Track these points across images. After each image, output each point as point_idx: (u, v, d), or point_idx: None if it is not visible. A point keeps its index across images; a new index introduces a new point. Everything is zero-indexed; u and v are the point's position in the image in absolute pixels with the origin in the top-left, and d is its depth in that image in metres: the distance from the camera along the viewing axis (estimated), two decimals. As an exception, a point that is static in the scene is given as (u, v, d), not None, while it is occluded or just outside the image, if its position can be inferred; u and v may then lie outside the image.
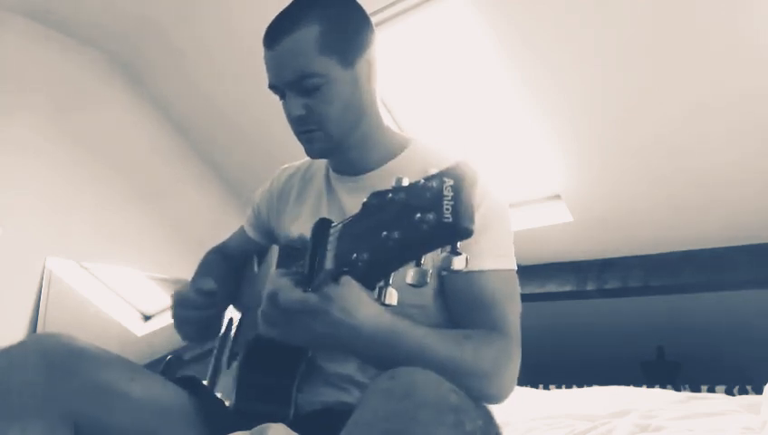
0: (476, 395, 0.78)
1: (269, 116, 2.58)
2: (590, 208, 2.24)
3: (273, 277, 0.72)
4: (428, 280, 0.58)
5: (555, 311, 2.66)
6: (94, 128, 2.66)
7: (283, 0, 0.92)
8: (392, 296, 0.59)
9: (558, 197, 2.31)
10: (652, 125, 1.91)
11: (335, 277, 0.67)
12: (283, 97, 0.93)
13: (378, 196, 0.61)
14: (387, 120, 1.03)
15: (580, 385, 2.30)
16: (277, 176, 1.17)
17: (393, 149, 0.99)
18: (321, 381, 0.92)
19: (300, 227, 1.02)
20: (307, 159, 1.13)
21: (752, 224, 2.02)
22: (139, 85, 2.86)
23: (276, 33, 0.89)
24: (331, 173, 1.05)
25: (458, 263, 0.56)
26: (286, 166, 1.18)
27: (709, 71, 1.72)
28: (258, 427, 0.79)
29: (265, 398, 0.88)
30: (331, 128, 0.91)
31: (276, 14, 0.92)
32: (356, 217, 0.63)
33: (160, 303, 2.71)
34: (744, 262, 2.09)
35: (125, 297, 2.61)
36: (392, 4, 1.99)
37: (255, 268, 1.18)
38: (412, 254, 0.56)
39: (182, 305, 0.99)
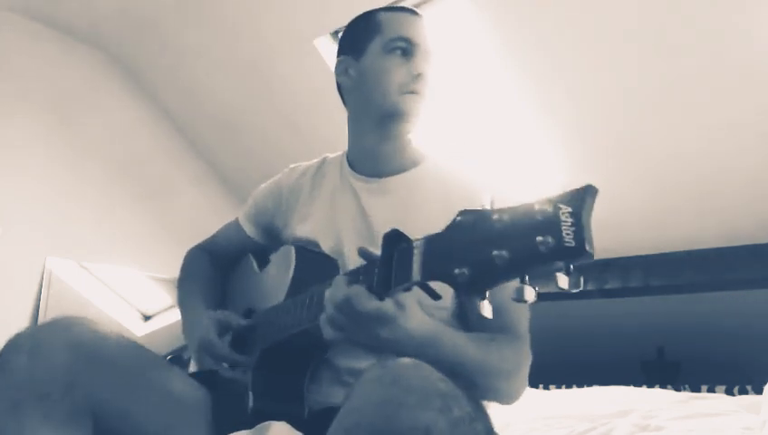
0: (499, 394, 0.88)
1: (269, 116, 2.58)
2: (590, 208, 2.23)
3: (340, 284, 0.74)
4: (531, 298, 0.60)
5: (555, 311, 2.65)
6: (94, 127, 2.66)
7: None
8: (488, 309, 0.63)
9: (558, 197, 2.31)
10: (653, 126, 1.91)
11: (421, 287, 0.69)
12: (405, 54, 1.03)
13: (471, 214, 0.63)
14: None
15: (580, 385, 2.30)
16: (287, 174, 1.18)
17: (413, 159, 1.06)
18: (329, 379, 0.93)
19: (307, 227, 1.05)
20: (315, 160, 1.18)
21: (751, 224, 2.02)
22: (139, 85, 2.86)
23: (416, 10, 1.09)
24: (348, 171, 1.08)
25: (562, 282, 0.59)
26: (294, 165, 1.19)
27: (713, 73, 1.72)
28: (260, 425, 0.79)
29: (281, 397, 0.91)
30: (427, 97, 1.04)
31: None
32: (444, 233, 0.66)
33: (160, 303, 2.71)
34: (744, 262, 2.09)
35: (125, 297, 2.61)
36: (392, 4, 1.99)
37: (256, 268, 1.15)
38: (518, 272, 0.59)
39: (212, 357, 0.97)
